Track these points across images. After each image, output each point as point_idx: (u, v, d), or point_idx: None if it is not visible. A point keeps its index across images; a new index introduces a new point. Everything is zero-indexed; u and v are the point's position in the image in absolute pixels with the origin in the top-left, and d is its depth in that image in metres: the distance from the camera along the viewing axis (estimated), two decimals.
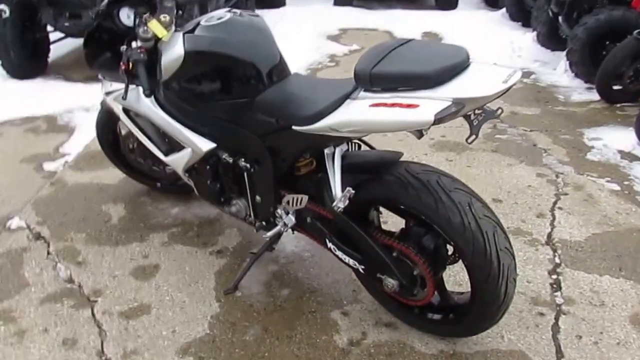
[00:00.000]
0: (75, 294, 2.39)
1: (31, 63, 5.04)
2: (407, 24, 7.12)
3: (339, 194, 1.88)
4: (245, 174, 2.25)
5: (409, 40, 1.86)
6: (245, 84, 2.15)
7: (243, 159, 2.22)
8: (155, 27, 2.19)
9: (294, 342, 2.14)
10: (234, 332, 2.18)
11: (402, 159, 1.99)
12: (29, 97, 4.73)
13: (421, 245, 1.95)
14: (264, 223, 2.35)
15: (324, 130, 1.84)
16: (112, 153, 3.04)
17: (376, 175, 1.93)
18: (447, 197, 1.79)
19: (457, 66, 1.67)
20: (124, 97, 2.32)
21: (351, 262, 2.08)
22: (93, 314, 2.27)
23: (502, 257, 1.79)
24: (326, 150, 1.98)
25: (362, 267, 2.06)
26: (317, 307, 2.31)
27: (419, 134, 1.78)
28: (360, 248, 2.03)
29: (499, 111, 1.74)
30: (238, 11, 2.27)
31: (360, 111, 1.75)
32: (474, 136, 1.70)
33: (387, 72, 1.72)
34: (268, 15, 7.68)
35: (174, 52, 2.14)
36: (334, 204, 1.88)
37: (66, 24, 4.91)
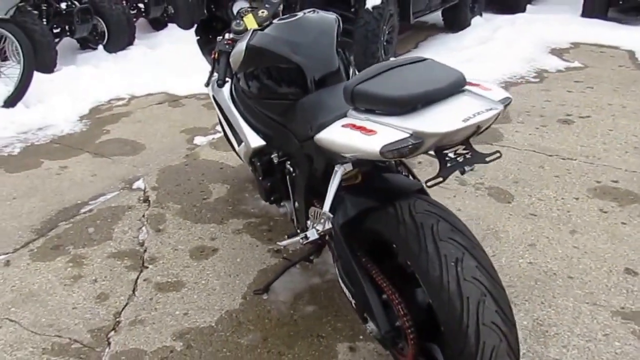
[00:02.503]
0: (137, 257, 2.62)
1: None
2: None
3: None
4: (287, 177, 2.22)
5: (422, 60, 1.62)
6: (291, 86, 2.12)
7: (288, 162, 2.20)
8: (249, 20, 2.29)
9: None
10: (234, 332, 2.16)
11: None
12: None
13: (412, 296, 1.68)
14: (299, 231, 2.28)
15: (320, 144, 1.72)
16: (226, 137, 3.21)
17: (383, 204, 1.71)
18: (434, 246, 1.47)
19: (440, 92, 1.44)
20: (206, 84, 2.49)
21: (347, 292, 1.90)
22: (137, 278, 2.47)
23: (483, 334, 1.39)
24: (335, 167, 1.80)
25: (354, 301, 1.87)
26: (329, 333, 2.16)
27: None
28: (352, 279, 1.84)
29: (494, 156, 1.42)
30: (315, 11, 2.23)
31: (332, 130, 1.62)
32: (439, 179, 1.41)
33: (367, 92, 1.55)
34: (496, 20, 7.26)
35: (240, 45, 2.20)
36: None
37: None
